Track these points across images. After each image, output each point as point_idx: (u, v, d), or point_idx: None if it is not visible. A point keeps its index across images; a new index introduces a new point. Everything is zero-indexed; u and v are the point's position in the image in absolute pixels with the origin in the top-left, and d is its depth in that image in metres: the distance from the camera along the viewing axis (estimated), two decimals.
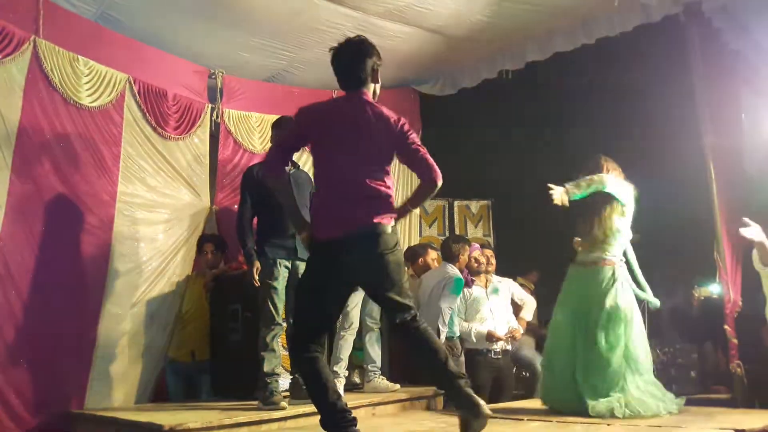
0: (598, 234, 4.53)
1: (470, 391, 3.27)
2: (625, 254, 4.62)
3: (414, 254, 6.22)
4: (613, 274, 4.49)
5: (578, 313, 4.51)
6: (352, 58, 3.44)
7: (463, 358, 5.64)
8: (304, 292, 3.46)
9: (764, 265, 4.67)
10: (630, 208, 4.57)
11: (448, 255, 5.80)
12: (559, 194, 4.36)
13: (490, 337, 5.64)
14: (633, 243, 4.64)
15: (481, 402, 3.23)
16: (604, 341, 4.34)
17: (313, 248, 3.40)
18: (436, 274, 5.76)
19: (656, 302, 4.62)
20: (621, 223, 4.55)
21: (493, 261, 6.02)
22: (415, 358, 3.66)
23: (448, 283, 5.57)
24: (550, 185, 4.36)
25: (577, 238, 4.81)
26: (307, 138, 3.50)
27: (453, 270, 5.68)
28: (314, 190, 3.56)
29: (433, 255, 6.19)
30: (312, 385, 3.38)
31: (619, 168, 4.65)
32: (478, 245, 6.26)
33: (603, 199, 4.52)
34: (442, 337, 5.54)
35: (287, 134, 3.52)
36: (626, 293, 4.48)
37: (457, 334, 5.65)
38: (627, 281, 4.54)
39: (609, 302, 4.40)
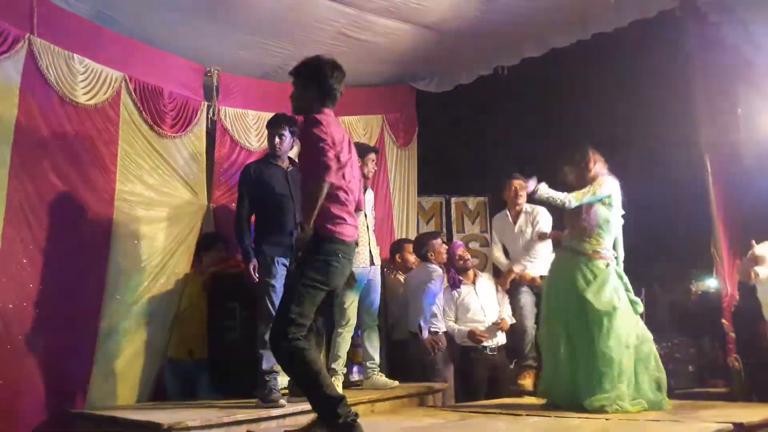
0: (584, 224, 4.54)
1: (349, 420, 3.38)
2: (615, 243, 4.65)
3: (392, 252, 6.29)
4: (607, 268, 4.49)
5: (571, 305, 4.49)
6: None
7: (446, 353, 5.74)
8: (317, 287, 3.53)
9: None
10: (616, 199, 4.59)
11: (422, 256, 5.93)
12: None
13: (472, 336, 5.65)
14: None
15: None
16: (606, 340, 4.34)
17: (332, 249, 3.54)
18: (420, 273, 5.87)
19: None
20: (607, 214, 4.56)
21: None
22: (306, 370, 3.49)
23: (429, 281, 5.69)
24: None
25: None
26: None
27: (433, 267, 5.79)
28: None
29: (410, 248, 6.25)
30: (311, 373, 3.41)
31: (602, 159, 4.66)
32: (461, 242, 6.30)
33: None
34: (425, 333, 5.61)
35: (330, 144, 3.54)
36: (620, 290, 4.50)
37: (443, 329, 5.69)
38: (621, 278, 4.55)
39: (605, 301, 4.40)
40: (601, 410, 4.19)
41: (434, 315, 5.69)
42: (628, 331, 4.39)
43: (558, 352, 4.52)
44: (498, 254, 6.15)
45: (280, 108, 5.22)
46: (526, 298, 5.66)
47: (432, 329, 5.66)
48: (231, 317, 5.18)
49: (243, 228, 4.76)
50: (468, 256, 6.03)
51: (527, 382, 5.44)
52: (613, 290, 4.44)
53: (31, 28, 4.55)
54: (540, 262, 5.65)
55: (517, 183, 5.79)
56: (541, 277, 5.51)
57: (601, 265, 4.51)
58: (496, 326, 5.71)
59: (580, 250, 4.55)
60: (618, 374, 4.28)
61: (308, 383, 3.45)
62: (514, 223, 5.88)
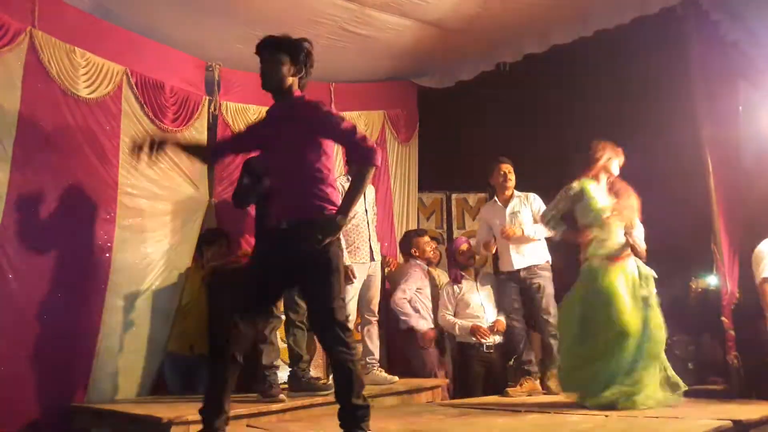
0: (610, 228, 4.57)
1: None
2: None
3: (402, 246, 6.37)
4: (637, 267, 4.55)
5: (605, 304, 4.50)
6: None
7: (434, 350, 5.80)
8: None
9: None
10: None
11: (408, 254, 6.00)
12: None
13: (474, 332, 5.63)
14: None
15: None
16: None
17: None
18: (401, 270, 6.00)
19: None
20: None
21: None
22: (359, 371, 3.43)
23: (402, 278, 5.83)
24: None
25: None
26: None
27: (413, 263, 5.92)
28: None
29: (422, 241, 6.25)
30: (361, 375, 3.39)
31: (617, 149, 4.71)
32: (465, 238, 6.29)
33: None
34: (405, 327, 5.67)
35: None
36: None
37: (424, 326, 5.75)
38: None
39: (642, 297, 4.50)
40: (606, 406, 4.20)
41: (416, 311, 5.75)
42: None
43: (584, 348, 4.50)
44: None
45: None
46: (508, 295, 5.54)
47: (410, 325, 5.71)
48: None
49: (247, 197, 4.83)
50: (473, 252, 6.02)
51: (523, 389, 5.27)
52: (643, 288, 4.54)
53: (33, 21, 4.56)
54: (540, 247, 5.55)
55: (505, 167, 5.66)
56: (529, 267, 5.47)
57: (630, 265, 4.57)
58: (490, 328, 5.69)
59: (611, 253, 4.57)
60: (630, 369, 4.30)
61: (361, 385, 3.34)
62: (505, 207, 5.62)
